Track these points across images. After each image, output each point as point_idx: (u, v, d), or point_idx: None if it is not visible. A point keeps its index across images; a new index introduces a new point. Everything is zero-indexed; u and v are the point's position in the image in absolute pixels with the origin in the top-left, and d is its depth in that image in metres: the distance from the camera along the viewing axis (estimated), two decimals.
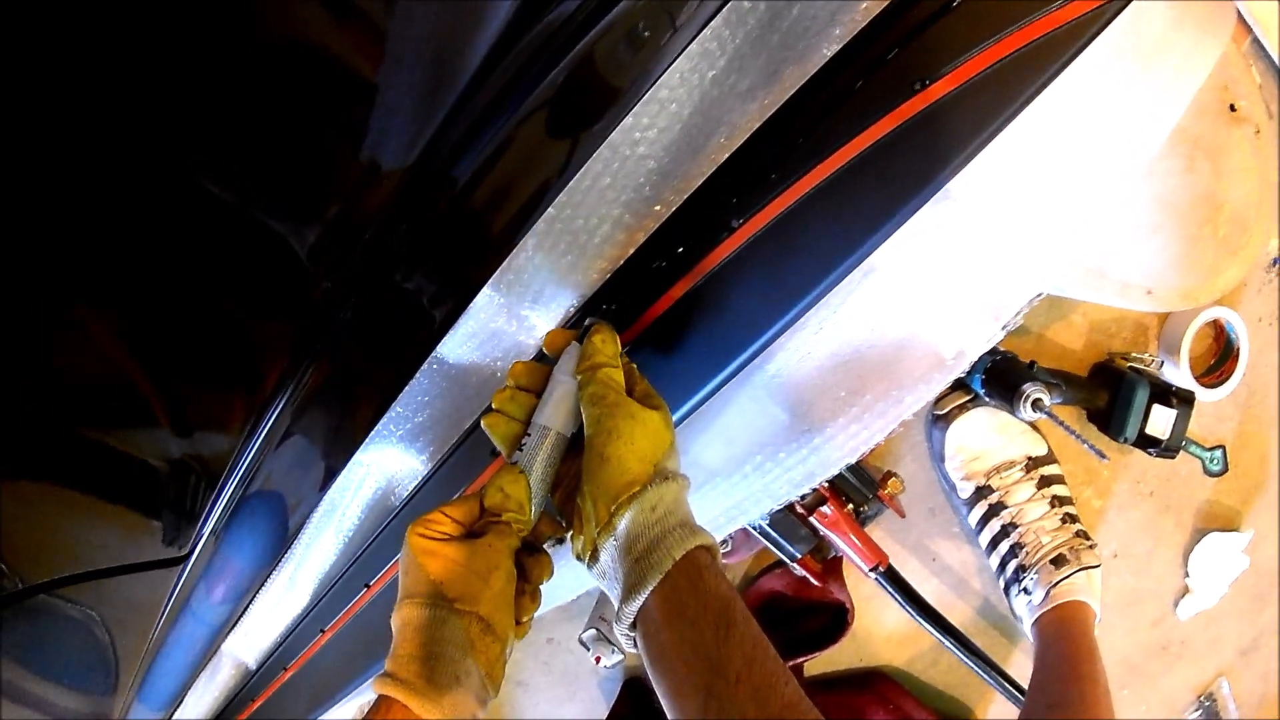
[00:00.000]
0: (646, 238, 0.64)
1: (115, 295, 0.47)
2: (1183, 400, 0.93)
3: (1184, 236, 0.86)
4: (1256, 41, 0.91)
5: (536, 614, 0.60)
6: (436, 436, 0.74)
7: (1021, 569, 0.96)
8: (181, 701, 0.92)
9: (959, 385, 0.95)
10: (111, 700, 0.79)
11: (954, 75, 0.56)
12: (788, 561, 0.92)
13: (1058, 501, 0.96)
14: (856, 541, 0.90)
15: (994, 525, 0.97)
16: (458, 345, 0.68)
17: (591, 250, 0.63)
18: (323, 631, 0.87)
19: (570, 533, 0.58)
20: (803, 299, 0.59)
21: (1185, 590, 1.16)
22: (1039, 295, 0.67)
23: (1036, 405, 0.82)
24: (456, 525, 0.56)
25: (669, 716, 0.49)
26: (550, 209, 0.57)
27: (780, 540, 0.89)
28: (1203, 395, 0.98)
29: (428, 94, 0.45)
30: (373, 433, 0.67)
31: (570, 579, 0.79)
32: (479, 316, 0.67)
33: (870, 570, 0.91)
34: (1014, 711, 0.90)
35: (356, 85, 0.43)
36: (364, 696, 0.92)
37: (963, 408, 0.95)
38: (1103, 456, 0.80)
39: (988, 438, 0.96)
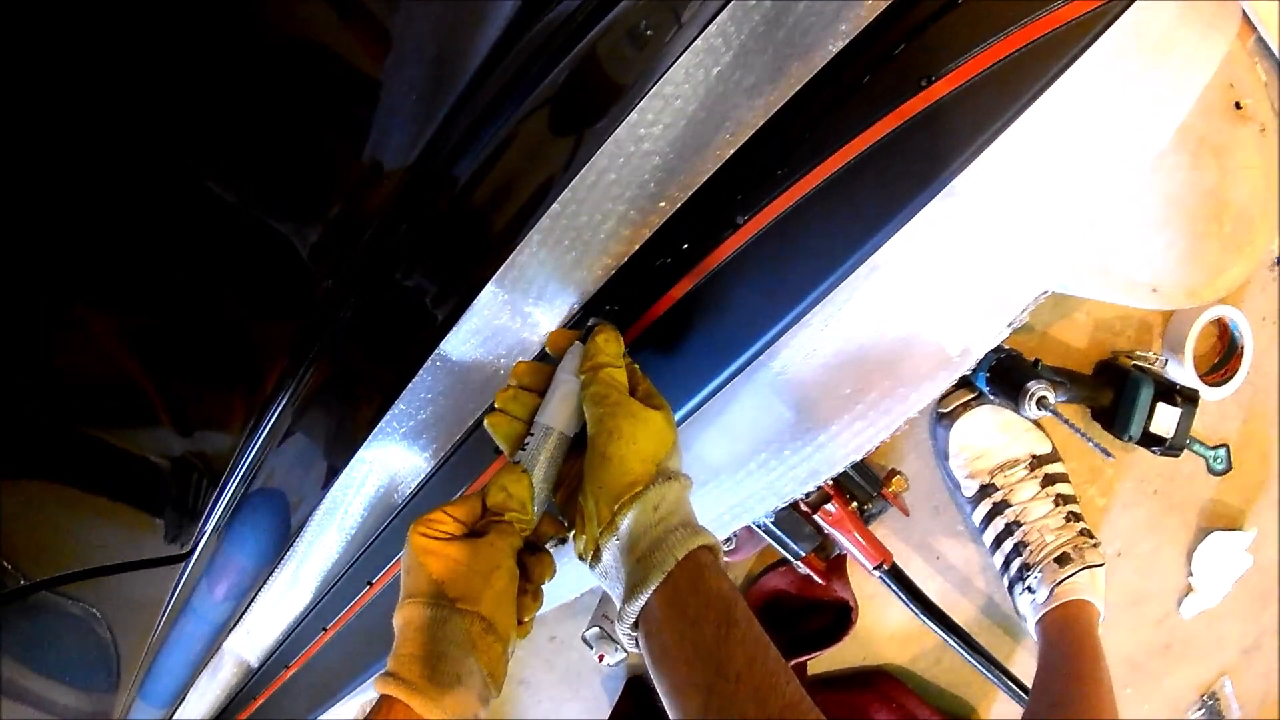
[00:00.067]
0: (651, 234, 0.64)
1: (117, 294, 0.47)
2: (1187, 399, 0.93)
3: (1189, 234, 0.86)
4: (1261, 40, 0.90)
5: (538, 613, 0.60)
6: (439, 434, 0.74)
7: (1025, 567, 0.95)
8: (183, 699, 0.92)
9: (963, 383, 0.95)
10: (113, 698, 0.79)
11: (959, 72, 0.56)
12: (792, 559, 0.91)
13: (1062, 500, 0.96)
14: (860, 539, 0.90)
15: (998, 523, 0.97)
16: (461, 342, 0.68)
17: (596, 247, 0.63)
18: (324, 630, 0.87)
19: (572, 532, 0.58)
20: (807, 296, 0.59)
21: (1189, 589, 1.16)
22: (1044, 293, 0.67)
23: (1041, 403, 0.82)
24: (458, 524, 0.56)
25: (670, 716, 0.49)
26: (555, 205, 0.57)
27: (784, 538, 0.89)
28: (1207, 394, 0.98)
29: (429, 91, 0.44)
30: (375, 430, 0.67)
31: (572, 578, 0.79)
32: (482, 313, 0.66)
33: (874, 568, 0.91)
34: (1017, 710, 0.90)
35: (358, 83, 0.43)
36: (365, 695, 0.92)
37: (967, 405, 0.95)
38: (1107, 454, 0.80)
39: (992, 436, 0.95)
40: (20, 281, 0.43)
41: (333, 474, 0.69)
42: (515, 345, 0.69)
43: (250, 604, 0.83)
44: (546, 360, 0.63)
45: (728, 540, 0.97)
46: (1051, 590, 0.92)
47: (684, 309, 0.63)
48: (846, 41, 0.58)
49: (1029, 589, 0.95)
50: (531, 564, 0.58)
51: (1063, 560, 0.93)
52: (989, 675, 0.94)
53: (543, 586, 0.60)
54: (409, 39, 0.41)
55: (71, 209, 0.42)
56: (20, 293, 0.44)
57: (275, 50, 0.40)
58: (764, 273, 0.60)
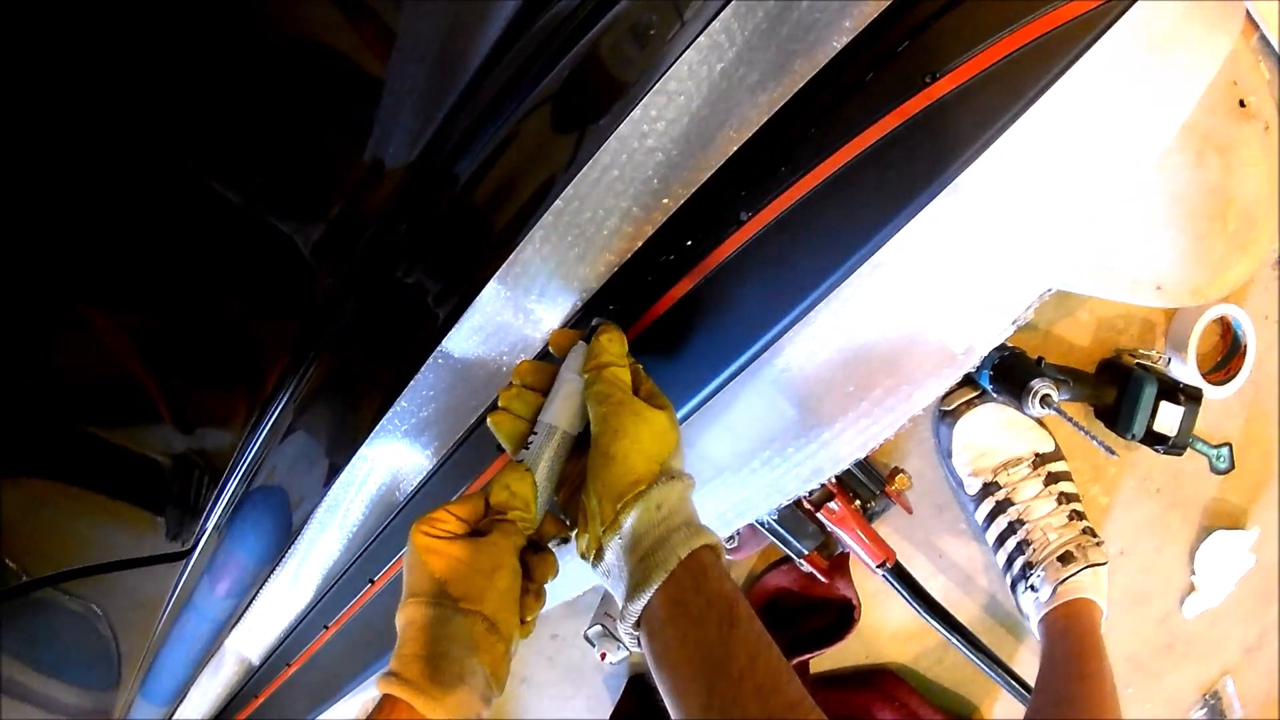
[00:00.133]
0: (654, 231, 0.63)
1: (118, 291, 0.47)
2: (1190, 397, 0.92)
3: (1193, 232, 0.86)
4: (1264, 38, 0.90)
5: (541, 611, 0.60)
6: (441, 432, 0.74)
7: (1028, 566, 0.95)
8: (184, 697, 0.92)
9: (967, 381, 0.94)
10: (114, 696, 0.79)
11: (964, 69, 0.56)
12: (794, 557, 0.91)
13: (1065, 498, 0.96)
14: (863, 538, 0.90)
15: (1001, 522, 0.97)
16: (463, 339, 0.68)
17: (599, 243, 0.63)
18: (326, 628, 0.87)
19: (575, 531, 0.58)
20: (811, 293, 0.59)
21: (1191, 588, 1.16)
22: (1048, 290, 0.67)
23: (1045, 401, 0.82)
24: (461, 523, 0.56)
25: (672, 715, 0.49)
26: (558, 201, 0.57)
27: (787, 536, 0.89)
28: (1210, 392, 0.98)
29: (431, 89, 0.44)
30: (377, 428, 0.67)
31: (574, 576, 0.79)
32: (485, 310, 0.66)
33: (877, 567, 0.90)
34: (1020, 709, 0.90)
35: (360, 81, 0.42)
36: (367, 694, 0.92)
37: (970, 404, 0.94)
38: (1111, 452, 0.80)
39: (995, 434, 0.95)
40: (22, 280, 0.43)
41: (334, 472, 0.69)
42: (518, 342, 0.69)
43: (251, 602, 0.83)
44: (549, 359, 0.63)
45: (730, 538, 0.97)
46: (1054, 589, 0.92)
47: (687, 306, 0.63)
48: (850, 38, 0.58)
49: (1032, 587, 0.95)
50: (534, 563, 0.58)
51: (1065, 559, 0.92)
52: (991, 674, 0.94)
53: (545, 585, 0.60)
54: (410, 36, 0.41)
55: (73, 207, 0.42)
56: (21, 291, 0.44)
57: (276, 49, 0.40)
58: (767, 270, 0.60)
